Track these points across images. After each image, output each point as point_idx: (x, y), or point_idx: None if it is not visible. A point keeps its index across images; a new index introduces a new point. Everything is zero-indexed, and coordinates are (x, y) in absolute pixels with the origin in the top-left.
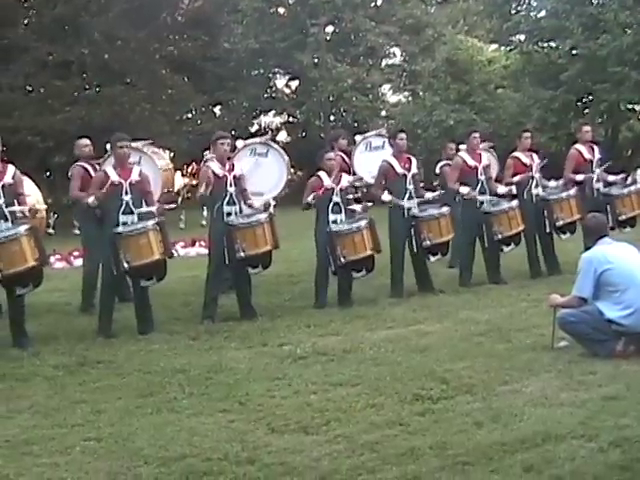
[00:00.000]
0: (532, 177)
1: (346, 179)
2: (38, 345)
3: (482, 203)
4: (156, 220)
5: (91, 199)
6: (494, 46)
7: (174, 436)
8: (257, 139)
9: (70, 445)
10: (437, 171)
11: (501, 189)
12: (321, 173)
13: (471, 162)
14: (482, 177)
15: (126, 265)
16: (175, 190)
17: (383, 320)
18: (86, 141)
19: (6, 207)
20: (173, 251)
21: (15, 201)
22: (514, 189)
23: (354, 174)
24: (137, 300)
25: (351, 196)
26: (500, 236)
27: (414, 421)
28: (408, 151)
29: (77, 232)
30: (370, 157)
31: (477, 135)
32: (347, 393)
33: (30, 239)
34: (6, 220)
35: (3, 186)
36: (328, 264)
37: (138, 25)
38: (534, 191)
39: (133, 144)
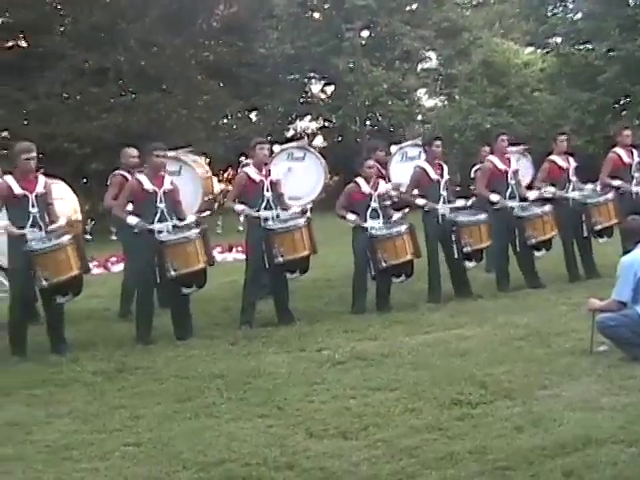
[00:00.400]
0: (569, 180)
1: (384, 185)
2: (77, 351)
3: (513, 208)
4: (200, 228)
5: (131, 221)
6: (530, 49)
7: (213, 441)
8: (294, 143)
9: (109, 450)
10: (472, 175)
11: (531, 195)
12: (359, 179)
13: (501, 166)
14: (512, 181)
15: (173, 273)
16: (214, 197)
17: (421, 325)
18: (135, 151)
19: (40, 217)
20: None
21: (45, 212)
22: (547, 193)
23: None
24: (176, 307)
25: (388, 202)
26: (534, 241)
27: (453, 426)
28: (442, 158)
29: (114, 238)
30: (406, 167)
31: (505, 138)
32: (386, 398)
33: (74, 248)
34: (40, 229)
35: (37, 196)
36: (366, 269)
37: (174, 31)
38: (571, 195)
39: (172, 153)
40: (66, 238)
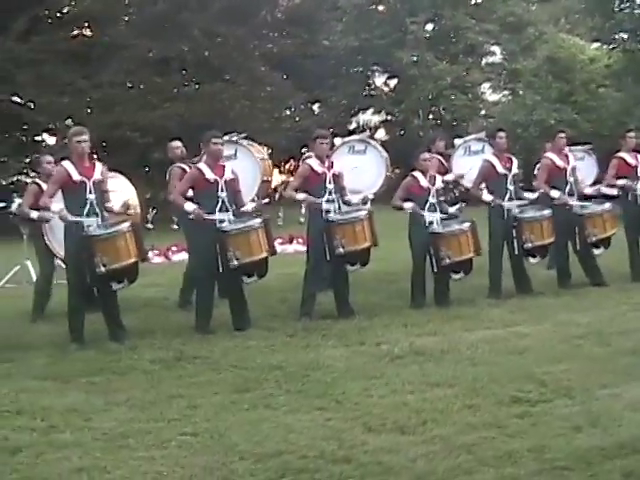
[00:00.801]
0: (637, 177)
1: (440, 180)
2: (135, 339)
3: (572, 205)
4: (263, 218)
5: (189, 207)
6: (596, 45)
7: (270, 433)
8: (355, 136)
9: (166, 439)
10: (535, 172)
11: (588, 190)
12: (416, 173)
13: (559, 163)
14: (570, 178)
15: (236, 262)
16: (272, 181)
17: (481, 321)
18: (178, 143)
19: (97, 204)
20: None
21: (102, 198)
22: (607, 190)
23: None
24: (234, 297)
25: (442, 198)
26: (594, 239)
27: (512, 423)
28: (509, 150)
29: (175, 227)
30: (469, 161)
31: (563, 135)
32: (444, 394)
33: (132, 235)
34: (97, 216)
35: (94, 182)
36: (425, 263)
37: (238, 22)
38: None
39: (227, 137)
40: (125, 225)
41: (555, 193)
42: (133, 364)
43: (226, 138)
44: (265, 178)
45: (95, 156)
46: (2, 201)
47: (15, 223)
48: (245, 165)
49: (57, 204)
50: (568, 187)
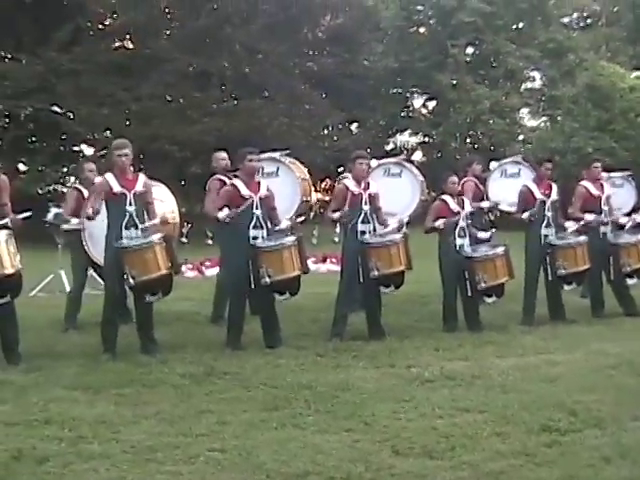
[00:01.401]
0: None
1: (469, 204)
2: (166, 353)
3: (605, 234)
4: (296, 236)
5: (222, 214)
6: (636, 73)
7: (297, 452)
8: (391, 159)
9: (194, 455)
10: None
11: (623, 219)
12: (446, 197)
13: (594, 191)
14: (605, 207)
15: (268, 279)
16: (311, 202)
17: (513, 347)
18: (223, 154)
19: (137, 215)
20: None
21: (144, 210)
22: None
23: (488, 200)
24: (266, 315)
25: (470, 221)
26: (629, 269)
27: (541, 452)
28: (550, 177)
29: (209, 242)
30: (505, 184)
31: (598, 165)
32: (474, 419)
33: (163, 247)
34: (137, 228)
35: (135, 194)
36: (457, 287)
37: (279, 39)
38: None
39: (271, 154)
40: (156, 237)
41: (589, 216)
42: (163, 377)
43: (269, 155)
44: (305, 198)
45: (138, 167)
46: (28, 210)
47: (50, 232)
48: (286, 184)
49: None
50: (602, 216)
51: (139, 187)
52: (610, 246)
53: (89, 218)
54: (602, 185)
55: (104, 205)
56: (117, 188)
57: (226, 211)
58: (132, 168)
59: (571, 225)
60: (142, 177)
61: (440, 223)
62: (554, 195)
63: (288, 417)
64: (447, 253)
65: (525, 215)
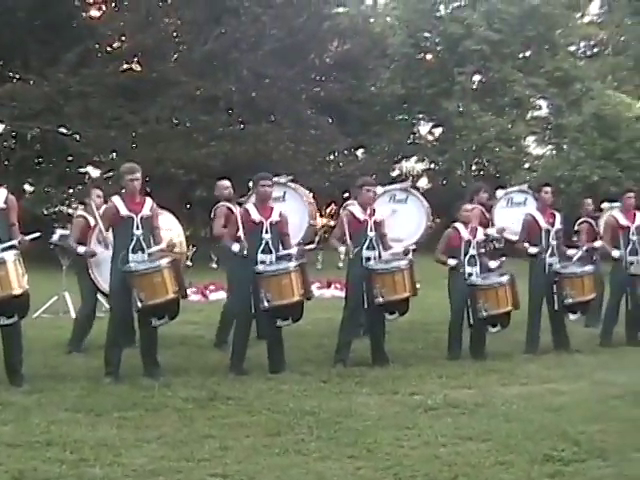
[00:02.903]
0: None
1: (481, 232)
2: (169, 376)
3: (631, 264)
4: (299, 262)
5: (235, 248)
6: None
7: (300, 479)
8: (397, 185)
9: (196, 479)
10: (575, 228)
11: None
12: (457, 224)
13: (624, 222)
14: (634, 237)
15: (267, 304)
16: (317, 226)
17: (517, 376)
18: (227, 183)
19: (144, 239)
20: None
21: (150, 235)
22: None
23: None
24: (272, 339)
25: (482, 250)
26: None
27: None
28: (553, 206)
29: (214, 266)
30: (511, 213)
31: (632, 195)
32: (477, 448)
33: (171, 271)
34: (143, 252)
35: (142, 218)
36: (463, 315)
37: (286, 64)
38: None
39: (277, 179)
40: (164, 261)
41: (616, 253)
42: (166, 401)
43: (275, 179)
44: (312, 222)
45: (144, 191)
46: (37, 231)
47: (55, 254)
48: (293, 208)
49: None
50: (630, 245)
51: (146, 211)
52: (630, 277)
53: (92, 255)
54: (634, 215)
55: (111, 229)
56: (124, 212)
57: (239, 246)
58: (141, 192)
59: (574, 252)
60: (149, 201)
61: (452, 264)
62: (557, 224)
63: (291, 443)
64: (456, 281)
65: (533, 250)
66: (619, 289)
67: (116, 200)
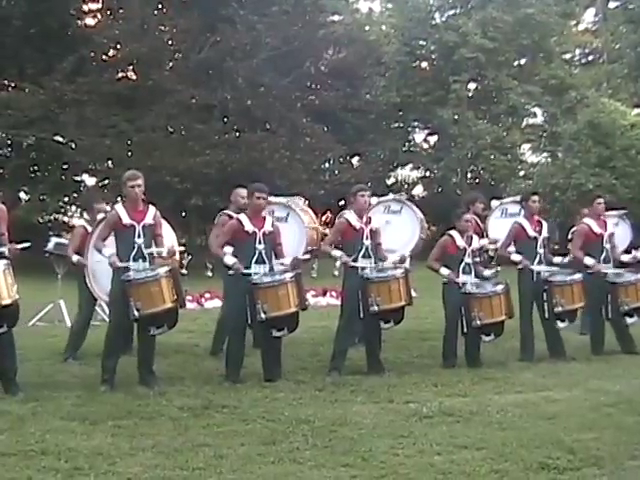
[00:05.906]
0: None
1: (477, 241)
2: (164, 385)
3: (606, 273)
4: (294, 272)
5: (229, 261)
6: (638, 110)
7: None
8: (391, 196)
9: None
10: (569, 236)
11: (625, 257)
12: (453, 232)
13: (597, 229)
14: (607, 245)
15: (263, 315)
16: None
17: (512, 384)
18: (244, 192)
19: (145, 248)
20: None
21: (153, 242)
22: None
23: (487, 238)
24: (268, 349)
25: (478, 259)
26: (627, 307)
27: None
28: (539, 214)
29: (209, 274)
30: (505, 224)
31: (601, 201)
32: (472, 456)
33: (169, 281)
34: (144, 260)
35: (144, 226)
36: (458, 324)
37: (281, 73)
38: None
39: (282, 199)
40: (162, 270)
41: (589, 261)
42: (161, 410)
43: (282, 200)
44: (309, 248)
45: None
46: (27, 241)
47: (50, 262)
48: (293, 231)
49: (108, 249)
50: (604, 254)
51: (149, 219)
52: (609, 284)
53: (82, 265)
54: (605, 223)
55: (114, 237)
56: (126, 220)
57: (233, 260)
58: (143, 199)
59: (559, 259)
60: (152, 209)
61: (445, 274)
62: (544, 232)
63: (286, 451)
64: (450, 289)
65: (516, 257)
66: (598, 296)
67: (119, 208)
